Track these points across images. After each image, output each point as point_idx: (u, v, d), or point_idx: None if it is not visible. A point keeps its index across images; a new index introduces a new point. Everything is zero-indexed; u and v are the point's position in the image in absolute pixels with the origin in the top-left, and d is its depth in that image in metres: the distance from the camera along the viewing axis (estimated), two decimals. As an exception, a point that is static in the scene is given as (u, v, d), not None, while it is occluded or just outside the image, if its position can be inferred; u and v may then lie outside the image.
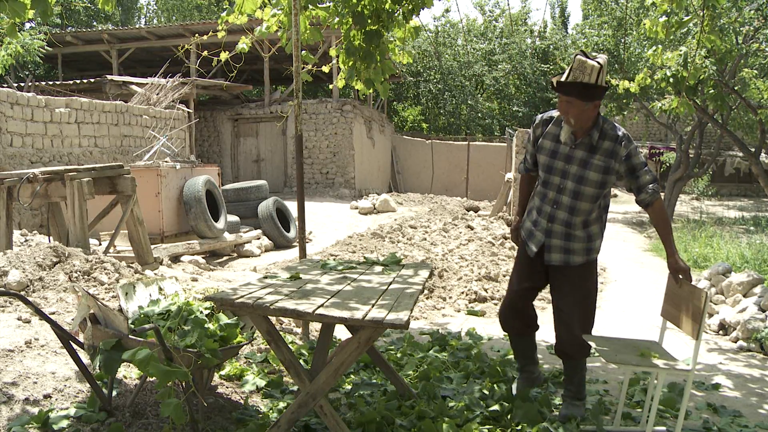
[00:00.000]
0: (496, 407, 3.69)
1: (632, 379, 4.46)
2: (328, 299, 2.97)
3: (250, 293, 3.03)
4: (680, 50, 7.48)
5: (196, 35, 6.95)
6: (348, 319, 2.69)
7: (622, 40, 15.63)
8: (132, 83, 16.50)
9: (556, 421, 3.63)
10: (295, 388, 4.01)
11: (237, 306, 2.90)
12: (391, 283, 3.44)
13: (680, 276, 3.52)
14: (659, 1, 5.88)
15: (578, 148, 3.59)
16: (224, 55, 6.23)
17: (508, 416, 3.62)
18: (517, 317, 3.97)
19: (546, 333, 6.23)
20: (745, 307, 6.10)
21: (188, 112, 15.93)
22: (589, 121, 3.57)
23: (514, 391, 3.95)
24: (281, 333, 4.98)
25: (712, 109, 11.71)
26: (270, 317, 3.04)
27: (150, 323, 3.22)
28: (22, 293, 4.42)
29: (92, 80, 17.52)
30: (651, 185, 3.54)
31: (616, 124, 3.63)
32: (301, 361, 4.49)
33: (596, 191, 3.60)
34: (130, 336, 2.96)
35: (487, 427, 3.51)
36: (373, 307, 2.84)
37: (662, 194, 3.86)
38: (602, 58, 3.54)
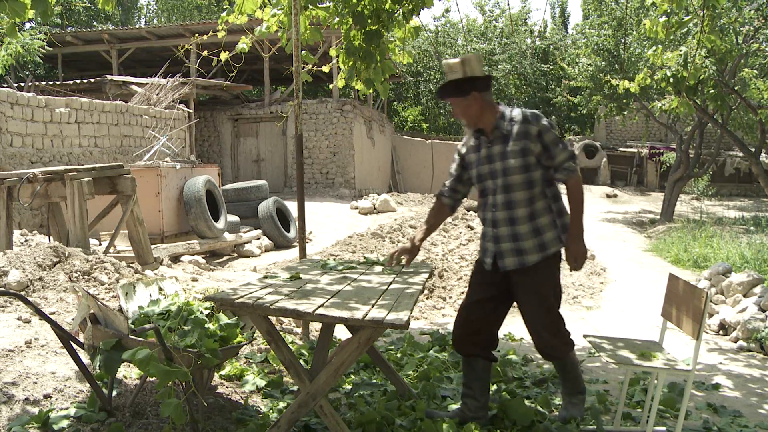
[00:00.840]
0: (494, 410, 3.69)
1: (632, 379, 4.46)
2: (328, 299, 2.97)
3: (250, 293, 3.02)
4: (680, 50, 7.47)
5: (196, 35, 6.95)
6: (348, 319, 2.69)
7: (622, 40, 15.63)
8: (132, 83, 16.50)
9: (557, 422, 3.63)
10: (295, 388, 4.01)
11: (237, 306, 2.90)
12: (391, 283, 3.44)
13: (576, 262, 3.45)
14: (659, 1, 5.87)
15: (494, 144, 3.48)
16: (224, 55, 6.23)
17: (505, 419, 3.62)
18: (468, 335, 3.61)
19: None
20: (745, 307, 6.10)
21: (188, 112, 15.93)
22: (479, 114, 3.49)
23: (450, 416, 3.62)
24: (281, 333, 4.98)
25: (712, 109, 11.71)
26: (270, 317, 3.04)
27: (150, 323, 3.22)
28: (22, 293, 4.42)
29: (92, 80, 17.52)
30: (567, 163, 3.41)
31: (528, 110, 3.53)
32: (301, 361, 4.49)
33: (523, 176, 3.42)
34: (130, 336, 2.96)
35: (487, 427, 3.51)
36: (373, 307, 2.84)
37: (577, 169, 3.52)
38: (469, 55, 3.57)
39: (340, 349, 3.03)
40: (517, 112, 3.49)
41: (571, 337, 3.58)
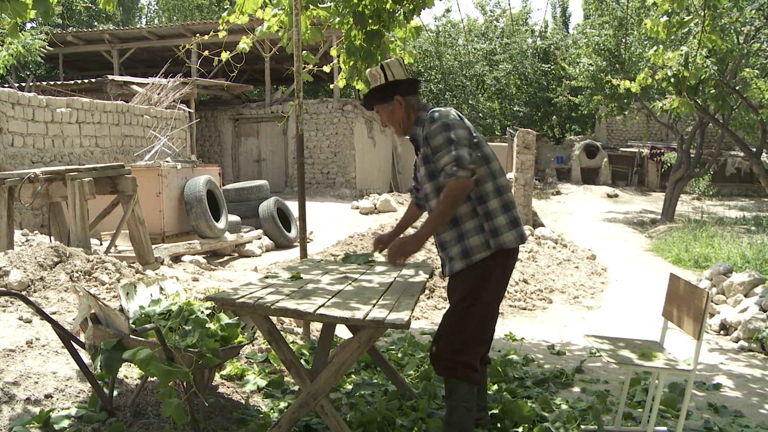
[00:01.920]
0: (495, 410, 3.69)
1: (633, 379, 4.46)
2: (329, 299, 2.97)
3: (251, 293, 3.03)
4: (681, 50, 7.47)
5: (197, 35, 6.95)
6: (349, 319, 2.69)
7: (623, 40, 15.63)
8: (133, 83, 16.51)
9: (557, 421, 3.63)
10: (296, 387, 4.02)
11: (238, 306, 2.90)
12: (392, 283, 3.44)
13: (392, 255, 3.16)
14: (660, 1, 5.87)
15: (418, 151, 3.35)
16: (225, 55, 6.23)
17: (506, 419, 3.62)
18: None
19: (546, 332, 6.23)
20: (746, 307, 6.10)
21: (189, 112, 15.93)
22: (406, 119, 3.35)
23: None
24: (282, 333, 4.98)
25: (713, 109, 11.71)
26: (271, 317, 3.04)
27: (151, 323, 3.22)
28: (24, 293, 4.42)
29: (93, 80, 17.53)
30: (447, 166, 3.04)
31: (438, 109, 3.22)
32: (302, 361, 4.49)
33: (433, 184, 3.22)
34: (131, 336, 2.96)
35: (488, 428, 3.51)
36: (374, 307, 2.84)
37: (466, 174, 2.94)
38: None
39: (340, 349, 3.03)
40: (425, 115, 3.26)
41: (473, 369, 3.14)
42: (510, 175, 13.92)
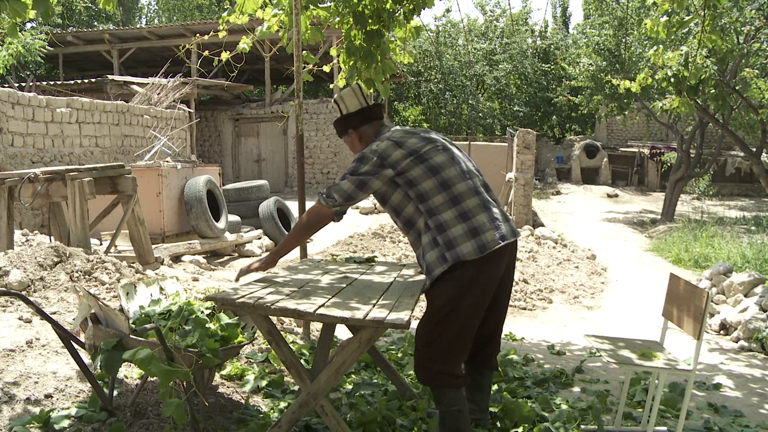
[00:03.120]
0: (494, 409, 3.69)
1: (633, 379, 4.46)
2: (329, 299, 2.97)
3: (251, 293, 3.03)
4: (681, 50, 7.47)
5: (197, 35, 6.95)
6: (349, 319, 2.68)
7: (623, 40, 15.63)
8: (133, 83, 16.51)
9: (558, 421, 3.63)
10: (296, 387, 4.02)
11: (238, 306, 2.90)
12: (392, 283, 3.44)
13: (241, 272, 3.33)
14: (660, 0, 5.87)
15: None
16: (225, 55, 6.23)
17: (506, 419, 3.62)
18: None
19: (546, 332, 6.23)
20: (746, 307, 6.10)
21: (189, 111, 15.93)
22: (362, 148, 3.35)
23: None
24: (282, 333, 4.98)
25: (713, 108, 11.70)
26: (271, 317, 3.04)
27: (151, 323, 3.22)
28: (24, 293, 4.42)
29: (93, 80, 17.54)
30: (325, 189, 3.20)
31: (385, 137, 3.23)
32: (301, 361, 4.49)
33: (389, 206, 3.28)
34: (131, 336, 2.96)
35: (487, 428, 3.51)
36: (374, 306, 2.84)
37: (326, 203, 3.14)
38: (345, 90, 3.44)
39: (341, 349, 3.03)
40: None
41: (454, 376, 3.11)
42: (510, 175, 13.92)
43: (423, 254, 3.15)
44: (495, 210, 3.14)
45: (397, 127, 3.35)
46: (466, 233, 3.04)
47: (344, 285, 3.36)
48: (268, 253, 3.24)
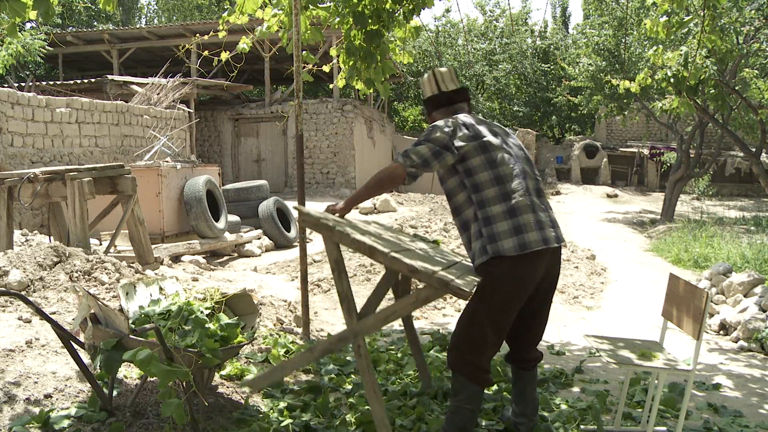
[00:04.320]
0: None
1: (633, 379, 4.46)
2: (400, 251, 2.96)
3: (335, 220, 3.08)
4: (681, 50, 7.47)
5: (197, 35, 6.95)
6: (419, 271, 2.66)
7: (623, 40, 15.63)
8: (133, 83, 16.51)
9: (558, 421, 3.63)
10: (296, 387, 4.02)
11: (319, 224, 2.92)
12: (458, 262, 3.42)
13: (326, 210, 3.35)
14: (660, 1, 5.87)
15: None
16: (225, 55, 6.23)
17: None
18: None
19: (545, 333, 6.22)
20: (746, 307, 6.10)
21: (189, 112, 15.93)
22: None
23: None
24: (282, 332, 4.99)
25: (712, 109, 11.70)
26: (338, 249, 3.02)
27: (151, 323, 3.22)
28: (23, 293, 4.42)
29: (93, 80, 17.53)
30: (402, 150, 3.32)
31: (458, 116, 3.37)
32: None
33: (445, 186, 3.36)
34: (130, 336, 2.96)
35: (487, 427, 3.51)
36: (441, 270, 2.83)
37: (403, 162, 3.18)
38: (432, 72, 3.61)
39: (397, 302, 3.05)
40: None
41: (481, 370, 3.16)
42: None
43: (469, 243, 3.27)
44: (542, 214, 3.20)
45: (468, 115, 3.43)
46: (510, 230, 3.10)
47: (415, 247, 3.40)
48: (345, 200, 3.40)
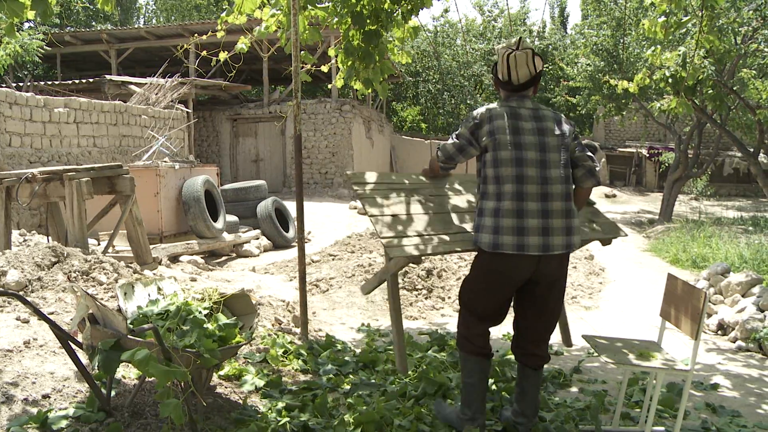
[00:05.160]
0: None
1: (631, 379, 4.46)
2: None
3: None
4: (679, 50, 7.48)
5: (195, 35, 6.95)
6: None
7: (621, 40, 15.63)
8: (131, 83, 16.49)
9: (556, 421, 3.63)
10: (294, 387, 4.02)
11: None
12: None
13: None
14: (658, 1, 5.88)
15: None
16: (223, 55, 6.23)
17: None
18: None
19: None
20: (744, 307, 6.11)
21: (187, 112, 15.92)
22: None
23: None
24: (279, 332, 4.98)
25: (710, 109, 11.72)
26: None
27: (149, 323, 3.21)
28: (21, 293, 4.42)
29: (91, 80, 17.52)
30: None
31: (490, 107, 3.47)
32: (299, 362, 4.50)
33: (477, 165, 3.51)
34: (128, 336, 2.96)
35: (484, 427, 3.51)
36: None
37: (437, 157, 3.68)
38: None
39: None
40: None
41: (469, 341, 3.43)
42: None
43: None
44: (532, 221, 3.22)
45: (497, 106, 3.41)
46: (492, 227, 3.27)
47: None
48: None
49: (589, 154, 3.42)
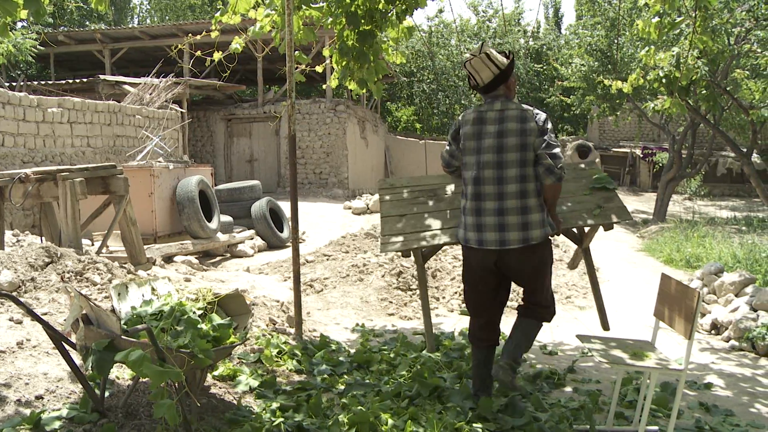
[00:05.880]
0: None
1: (625, 378, 4.47)
2: None
3: None
4: (673, 51, 7.49)
5: (190, 35, 6.93)
6: None
7: (615, 41, 15.66)
8: (125, 83, 16.44)
9: (550, 421, 3.64)
10: (288, 387, 4.01)
11: None
12: None
13: None
14: (652, 2, 5.89)
15: None
16: (217, 55, 6.22)
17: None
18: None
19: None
20: (737, 306, 6.13)
21: (181, 112, 15.88)
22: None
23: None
24: (274, 333, 4.98)
25: (704, 109, 11.75)
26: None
27: (143, 324, 3.21)
28: (14, 294, 4.40)
29: (85, 80, 17.45)
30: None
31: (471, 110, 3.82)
32: (293, 362, 4.49)
33: None
34: (122, 337, 2.95)
35: (479, 426, 3.51)
36: None
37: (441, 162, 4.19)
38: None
39: None
40: None
41: (472, 334, 3.89)
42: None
43: None
44: (488, 218, 3.61)
45: (471, 111, 3.76)
46: (462, 223, 3.77)
47: None
48: None
49: (552, 152, 3.55)
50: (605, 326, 4.52)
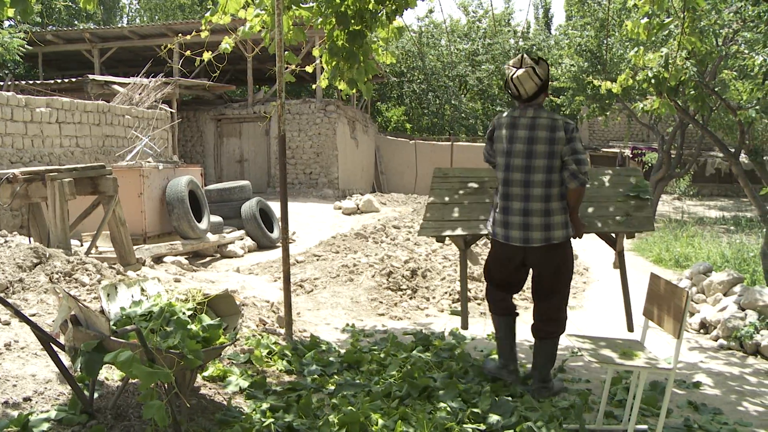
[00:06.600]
0: (477, 409, 3.70)
1: (614, 377, 4.49)
2: None
3: None
4: (662, 51, 7.52)
5: (179, 35, 6.90)
6: None
7: (605, 41, 15.72)
8: (114, 83, 16.36)
9: (540, 420, 3.65)
10: (279, 388, 4.01)
11: None
12: None
13: None
14: (641, 2, 5.92)
15: None
16: (207, 55, 6.20)
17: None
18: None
19: (528, 332, 6.25)
20: (726, 306, 6.17)
21: (171, 112, 15.82)
22: None
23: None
24: (264, 333, 4.97)
25: (693, 110, 11.80)
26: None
27: (132, 324, 3.20)
28: (2, 295, 4.37)
29: (74, 80, 17.35)
30: None
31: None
32: (284, 362, 4.49)
33: None
34: (111, 338, 2.94)
35: (472, 426, 3.52)
36: None
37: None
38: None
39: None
40: None
41: (490, 302, 4.35)
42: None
43: None
44: (514, 218, 3.97)
45: (505, 115, 4.08)
46: (492, 219, 4.15)
47: None
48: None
49: (578, 157, 3.84)
50: (630, 328, 4.91)
